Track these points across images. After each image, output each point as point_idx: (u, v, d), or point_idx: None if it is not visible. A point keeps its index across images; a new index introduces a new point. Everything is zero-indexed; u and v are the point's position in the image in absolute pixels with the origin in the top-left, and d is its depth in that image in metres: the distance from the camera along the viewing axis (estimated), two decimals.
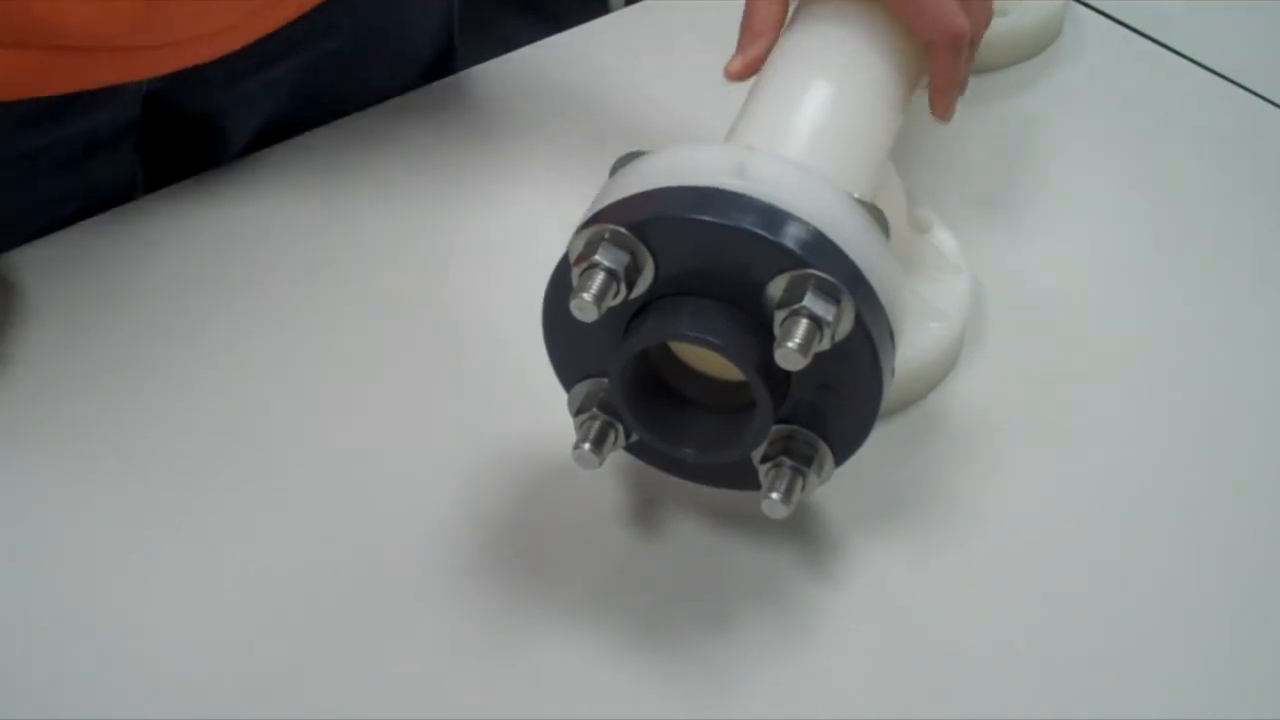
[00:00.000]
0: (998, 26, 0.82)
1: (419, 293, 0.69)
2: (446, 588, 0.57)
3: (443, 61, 0.85)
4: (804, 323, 0.49)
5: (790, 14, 0.63)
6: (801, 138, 0.56)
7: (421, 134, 0.78)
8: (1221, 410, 0.65)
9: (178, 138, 0.77)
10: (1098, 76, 0.84)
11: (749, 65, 0.61)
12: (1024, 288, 0.69)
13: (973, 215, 0.72)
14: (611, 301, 0.51)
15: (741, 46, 0.62)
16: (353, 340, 0.67)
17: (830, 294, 0.50)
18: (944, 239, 0.68)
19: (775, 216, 0.50)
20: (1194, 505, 0.61)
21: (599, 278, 0.51)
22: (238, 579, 0.57)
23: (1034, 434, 0.63)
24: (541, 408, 0.59)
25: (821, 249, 0.50)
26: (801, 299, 0.50)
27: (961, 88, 0.63)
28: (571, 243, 0.52)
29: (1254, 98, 0.82)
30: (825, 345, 0.50)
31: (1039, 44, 0.84)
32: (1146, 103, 0.82)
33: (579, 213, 0.54)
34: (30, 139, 0.69)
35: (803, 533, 0.58)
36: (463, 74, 0.82)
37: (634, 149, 0.55)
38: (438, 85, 0.81)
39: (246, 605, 0.57)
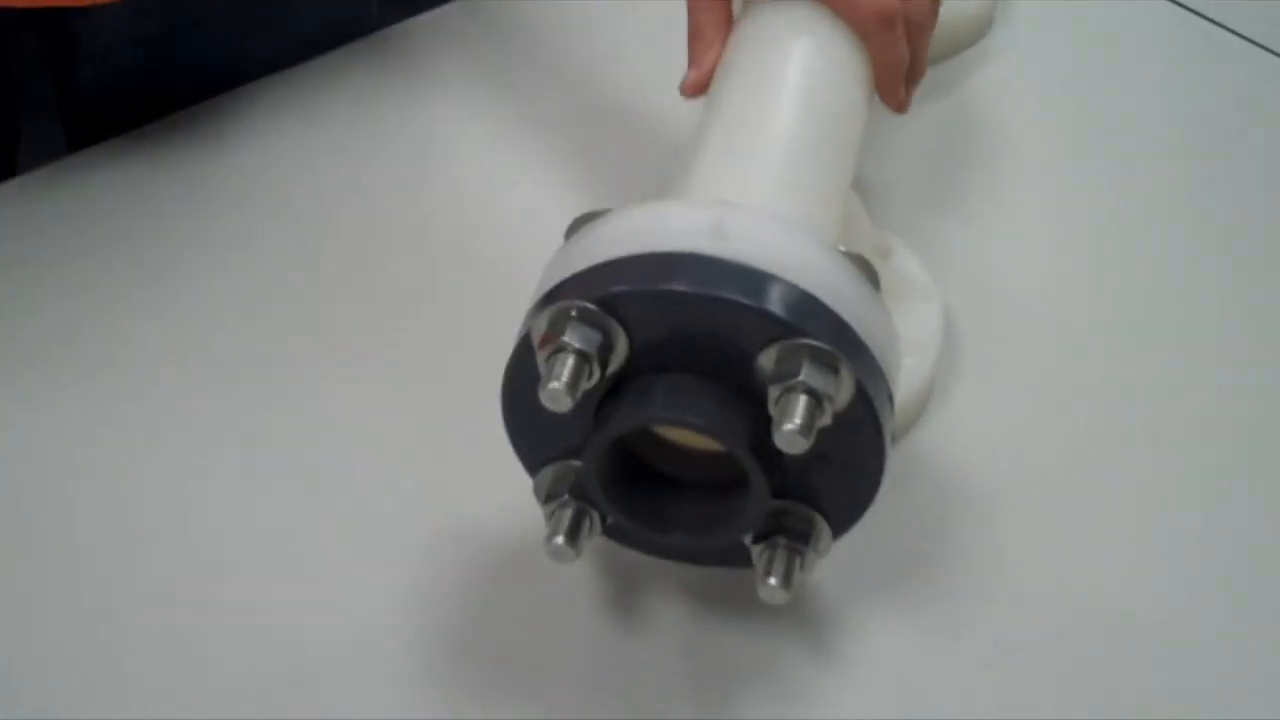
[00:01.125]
0: None
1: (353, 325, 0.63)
2: (403, 700, 0.51)
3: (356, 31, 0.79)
4: (803, 399, 0.45)
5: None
6: (773, 183, 0.51)
7: (345, 97, 0.73)
8: (1230, 430, 0.61)
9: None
10: (1041, 59, 0.80)
11: (705, 76, 0.58)
12: (996, 308, 0.65)
13: (930, 230, 0.68)
14: (585, 385, 0.46)
15: (694, 58, 0.58)
16: (273, 401, 0.61)
17: (827, 364, 0.45)
18: (909, 263, 0.63)
19: (761, 281, 0.46)
20: (1208, 534, 0.57)
21: (569, 362, 0.45)
22: (155, 690, 0.51)
23: (1024, 474, 0.59)
24: (499, 480, 0.53)
25: (814, 314, 0.46)
26: (798, 372, 0.45)
27: (916, 71, 0.60)
28: (531, 321, 0.47)
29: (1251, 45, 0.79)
30: (827, 420, 0.45)
31: (974, 34, 0.80)
32: (1098, 74, 0.79)
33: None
34: None
35: (797, 608, 0.54)
36: (399, 27, 0.78)
37: (593, 209, 0.49)
38: (370, 40, 0.76)
39: (164, 697, 0.51)
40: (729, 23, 0.59)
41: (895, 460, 0.49)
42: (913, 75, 0.60)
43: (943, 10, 0.78)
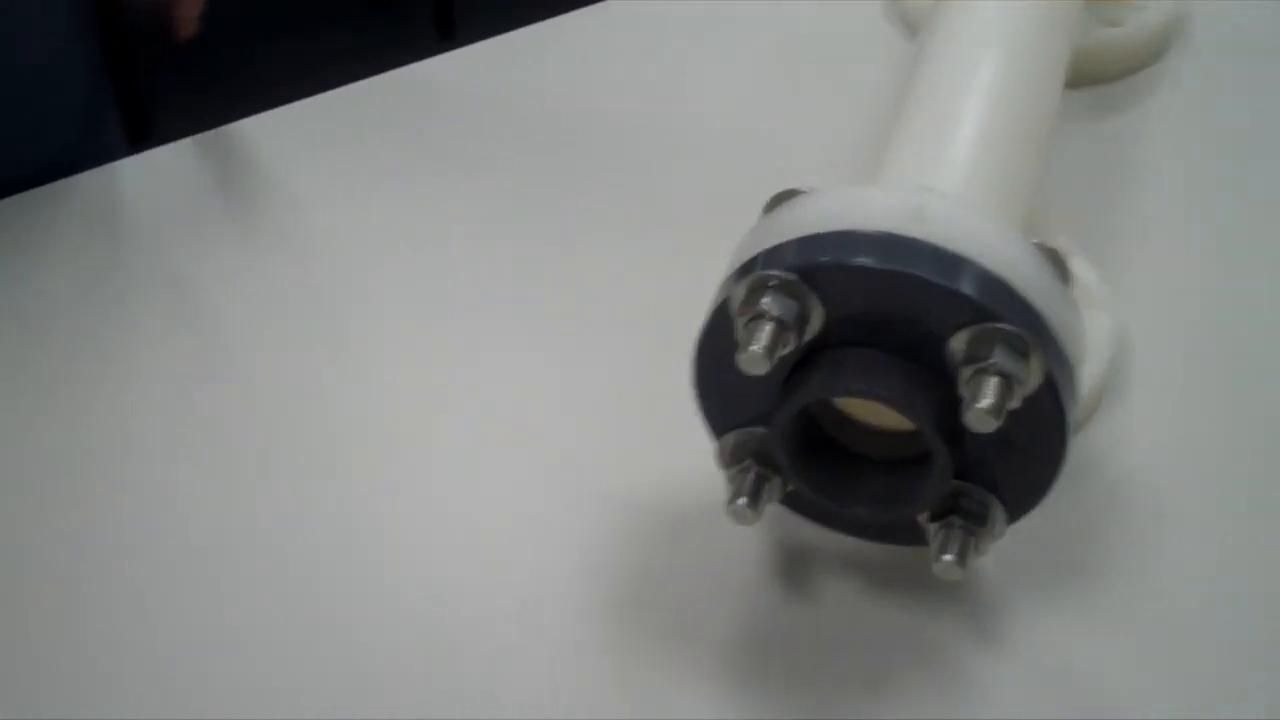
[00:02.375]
0: (1110, 36, 0.78)
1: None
2: (572, 647, 0.54)
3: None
4: (995, 381, 0.46)
5: None
6: (970, 172, 0.53)
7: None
8: None
9: None
10: (1218, 81, 0.79)
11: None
12: (1167, 325, 0.65)
13: (1103, 247, 0.68)
14: (781, 353, 0.48)
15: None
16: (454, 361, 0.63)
17: (1018, 349, 0.46)
18: (1084, 270, 0.64)
19: (959, 265, 0.47)
20: None
21: (768, 328, 0.47)
22: (333, 628, 0.54)
23: (1193, 483, 0.59)
24: (677, 443, 0.55)
25: (1008, 300, 0.47)
26: (990, 355, 0.46)
27: None
28: (730, 289, 0.49)
29: None
30: (1015, 404, 0.46)
31: (1154, 53, 0.80)
32: (1277, 97, 0.79)
33: None
34: None
35: (960, 592, 0.55)
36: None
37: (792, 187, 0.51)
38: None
39: (343, 656, 0.53)
40: None
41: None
42: None
43: (1120, 31, 0.79)
